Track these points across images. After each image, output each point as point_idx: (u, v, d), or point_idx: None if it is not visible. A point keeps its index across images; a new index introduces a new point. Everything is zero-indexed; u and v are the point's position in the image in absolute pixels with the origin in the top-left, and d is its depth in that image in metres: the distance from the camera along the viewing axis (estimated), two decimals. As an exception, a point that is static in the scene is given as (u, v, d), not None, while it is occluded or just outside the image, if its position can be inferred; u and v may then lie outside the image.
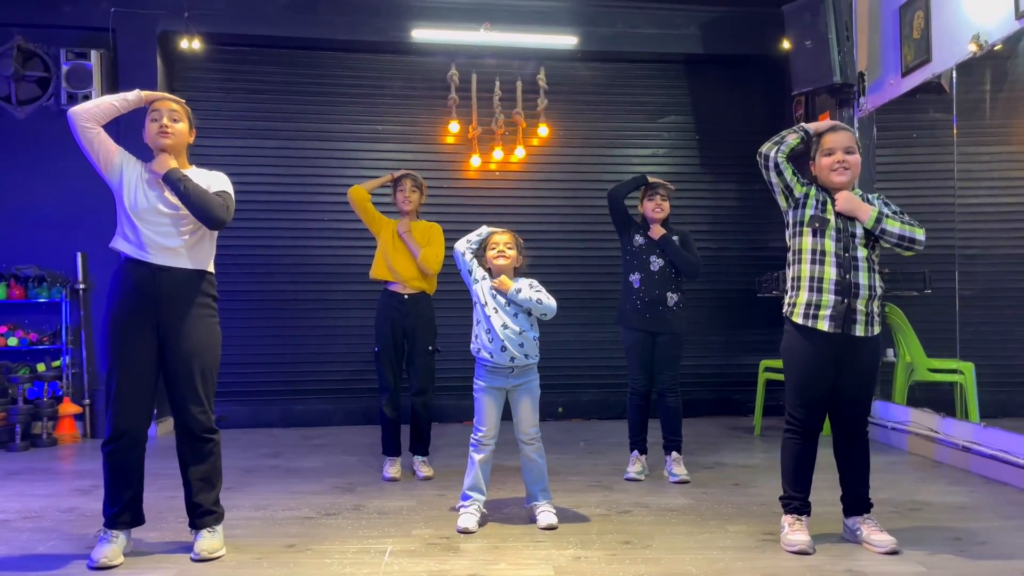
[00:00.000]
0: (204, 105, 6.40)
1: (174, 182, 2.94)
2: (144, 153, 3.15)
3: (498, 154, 6.59)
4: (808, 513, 3.14)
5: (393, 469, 4.39)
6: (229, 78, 6.43)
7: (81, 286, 5.93)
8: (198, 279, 3.01)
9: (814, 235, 3.05)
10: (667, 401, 4.36)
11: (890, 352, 5.84)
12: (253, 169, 6.30)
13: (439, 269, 4.49)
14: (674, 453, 4.36)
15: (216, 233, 3.12)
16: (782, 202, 3.19)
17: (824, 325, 3.02)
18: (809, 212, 3.08)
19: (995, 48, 4.40)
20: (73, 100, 5.88)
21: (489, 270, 3.54)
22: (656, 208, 4.37)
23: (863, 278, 3.02)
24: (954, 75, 4.76)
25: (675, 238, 4.39)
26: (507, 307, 3.44)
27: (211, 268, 3.11)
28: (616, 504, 3.76)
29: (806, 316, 3.05)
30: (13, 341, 5.75)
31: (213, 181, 3.10)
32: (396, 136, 6.61)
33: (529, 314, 3.45)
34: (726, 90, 6.93)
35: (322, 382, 6.42)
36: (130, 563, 2.92)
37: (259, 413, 6.27)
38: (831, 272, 3.01)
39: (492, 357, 3.41)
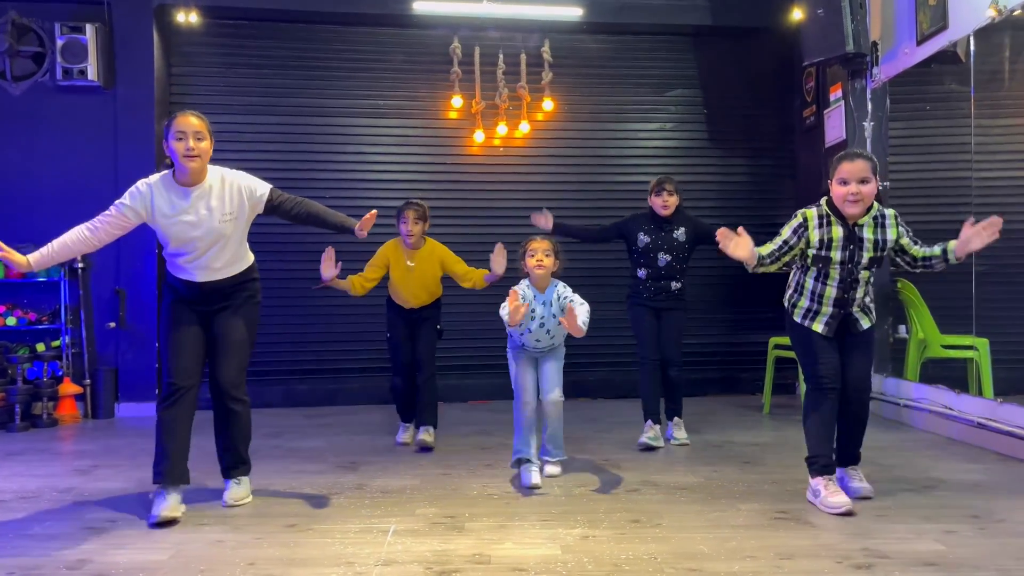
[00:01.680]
0: (201, 80, 6.30)
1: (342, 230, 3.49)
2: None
3: (502, 129, 6.47)
4: (834, 472, 3.30)
5: (406, 435, 4.71)
6: (227, 52, 6.30)
7: (80, 265, 5.84)
8: (239, 277, 3.37)
9: (818, 267, 3.29)
10: (671, 374, 4.56)
11: (902, 329, 5.74)
12: (251, 146, 6.19)
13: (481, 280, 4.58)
14: (676, 419, 4.64)
15: (244, 234, 3.39)
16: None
17: (820, 329, 3.33)
18: (811, 253, 3.27)
19: (1014, 13, 4.25)
20: (69, 75, 5.79)
21: (527, 275, 3.77)
22: (663, 205, 4.51)
23: (860, 292, 3.31)
24: (971, 43, 4.63)
25: (681, 231, 4.55)
26: (540, 327, 3.71)
27: (247, 260, 3.42)
28: (625, 482, 3.68)
29: (804, 318, 3.36)
30: (12, 321, 5.68)
31: (253, 190, 3.29)
32: (397, 111, 6.49)
33: (555, 317, 3.69)
34: (735, 63, 6.78)
35: (326, 361, 6.34)
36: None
37: (261, 393, 6.17)
38: (832, 291, 3.28)
39: (525, 348, 3.77)
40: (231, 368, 3.34)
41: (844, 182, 3.17)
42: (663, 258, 4.51)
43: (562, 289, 3.74)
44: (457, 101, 6.38)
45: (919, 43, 5.05)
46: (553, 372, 3.76)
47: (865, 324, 3.34)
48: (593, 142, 6.67)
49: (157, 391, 5.88)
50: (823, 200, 3.30)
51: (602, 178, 6.64)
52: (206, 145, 3.15)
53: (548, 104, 6.46)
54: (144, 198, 3.15)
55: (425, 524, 3.05)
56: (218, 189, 3.21)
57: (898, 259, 3.32)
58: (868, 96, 5.64)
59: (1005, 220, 3.19)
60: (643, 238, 4.53)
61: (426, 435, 4.51)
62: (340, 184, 6.38)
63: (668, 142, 6.75)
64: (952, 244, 3.22)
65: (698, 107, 6.81)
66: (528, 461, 3.69)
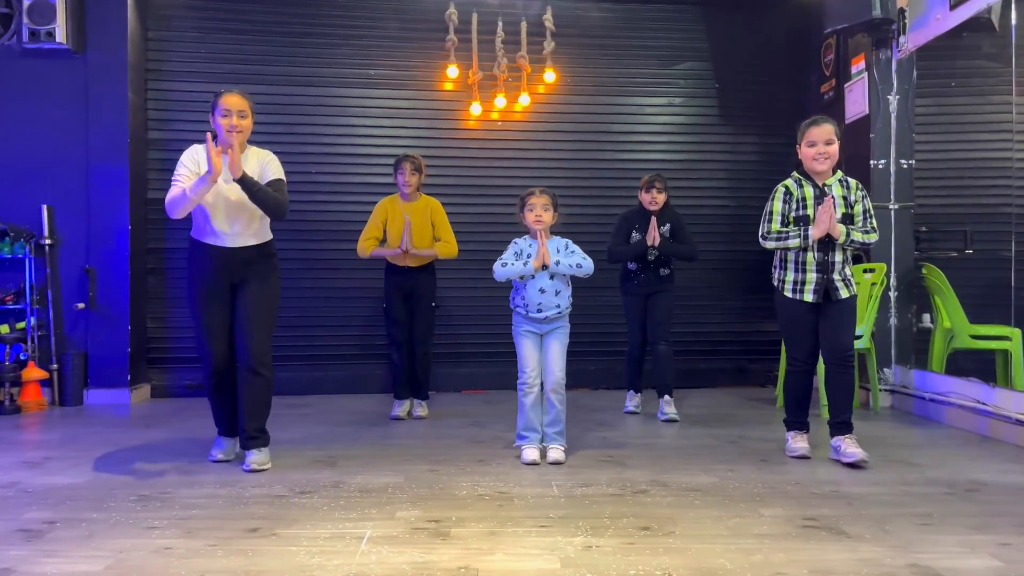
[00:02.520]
0: (179, 46, 5.91)
1: (248, 187, 3.37)
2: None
3: (500, 101, 6.08)
4: (806, 430, 3.82)
5: (401, 410, 4.86)
6: (208, 17, 5.90)
7: (47, 241, 5.46)
8: (264, 247, 3.59)
9: (796, 222, 3.62)
10: (659, 348, 4.82)
11: (926, 317, 5.36)
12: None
13: (457, 249, 4.84)
14: (666, 396, 4.82)
15: None
16: None
17: (809, 298, 3.62)
18: (791, 215, 3.65)
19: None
20: (36, 38, 5.38)
21: (527, 230, 3.80)
22: (651, 201, 4.79)
23: (838, 255, 3.59)
24: (1013, 7, 4.23)
25: (666, 227, 4.82)
26: (543, 270, 3.69)
27: (271, 234, 3.64)
28: (631, 482, 3.30)
29: (794, 291, 3.65)
30: (-27, 300, 5.30)
31: (267, 167, 3.54)
32: (390, 81, 6.09)
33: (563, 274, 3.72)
34: (748, 34, 6.40)
35: (310, 348, 5.97)
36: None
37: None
38: (812, 256, 3.59)
39: (528, 314, 3.72)
40: (260, 341, 3.52)
41: (812, 144, 3.57)
42: (651, 252, 4.80)
43: (563, 246, 3.79)
44: (453, 71, 5.99)
45: (953, 7, 4.65)
46: (557, 353, 3.72)
47: (844, 293, 3.59)
48: (597, 117, 6.28)
49: (129, 376, 5.51)
50: (793, 173, 3.72)
51: (606, 155, 6.25)
52: (248, 123, 3.48)
53: (550, 75, 6.07)
54: (194, 153, 3.48)
55: (405, 530, 2.68)
56: (251, 158, 3.53)
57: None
58: (893, 67, 5.25)
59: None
60: (635, 235, 4.84)
61: (422, 410, 4.90)
62: (328, 158, 6.00)
63: (676, 118, 6.36)
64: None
65: (708, 81, 6.42)
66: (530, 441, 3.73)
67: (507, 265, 3.72)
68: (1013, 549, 2.48)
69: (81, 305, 5.47)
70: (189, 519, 2.79)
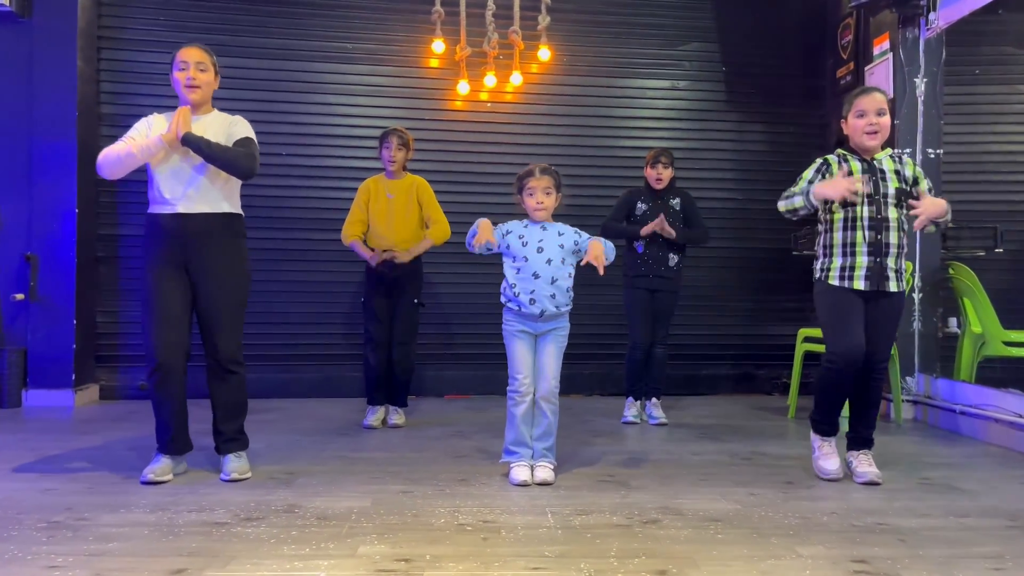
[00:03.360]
0: (138, 12, 5.38)
1: (195, 145, 3.03)
2: None
3: (490, 80, 5.57)
4: (834, 435, 3.35)
5: (374, 418, 4.36)
6: None
7: (-16, 225, 4.92)
8: (225, 220, 3.15)
9: (844, 206, 3.15)
10: (656, 351, 4.57)
11: (952, 322, 4.91)
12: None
13: (449, 230, 4.44)
14: (655, 399, 4.63)
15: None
16: None
17: (860, 284, 3.15)
18: (838, 175, 3.16)
19: None
20: (-26, -1, 4.84)
21: (524, 214, 3.32)
22: (658, 177, 4.50)
23: (893, 237, 3.14)
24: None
25: (676, 200, 4.56)
26: (539, 253, 3.19)
27: (237, 209, 3.23)
28: (639, 509, 2.81)
29: (842, 278, 3.18)
30: None
31: (235, 128, 3.20)
32: (369, 56, 5.58)
33: (563, 262, 3.21)
34: (759, 14, 5.94)
35: (278, 347, 5.44)
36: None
37: (198, 382, 5.28)
38: (862, 236, 3.14)
39: (520, 309, 3.20)
40: (231, 335, 3.17)
41: (862, 114, 3.16)
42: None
43: (571, 233, 3.27)
44: (439, 46, 5.47)
45: (994, -23, 4.20)
46: (552, 357, 3.23)
47: (894, 286, 3.17)
48: (594, 99, 5.79)
49: (73, 376, 4.96)
50: (836, 150, 3.31)
51: (603, 141, 5.77)
52: (208, 77, 3.17)
53: (544, 53, 5.56)
54: (151, 119, 3.17)
55: (368, 571, 2.17)
56: (216, 120, 3.20)
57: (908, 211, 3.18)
58: (921, 47, 4.80)
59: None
60: (640, 206, 4.54)
61: (398, 418, 4.40)
62: (300, 139, 5.48)
63: (680, 103, 5.89)
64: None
65: (715, 64, 5.95)
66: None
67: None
68: (1114, 604, 2.01)
69: (20, 296, 4.92)
70: (102, 555, 2.27)
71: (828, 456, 3.31)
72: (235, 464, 3.17)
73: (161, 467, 3.12)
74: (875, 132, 3.15)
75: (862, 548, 2.41)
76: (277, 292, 5.40)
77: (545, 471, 3.17)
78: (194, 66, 3.12)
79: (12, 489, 2.98)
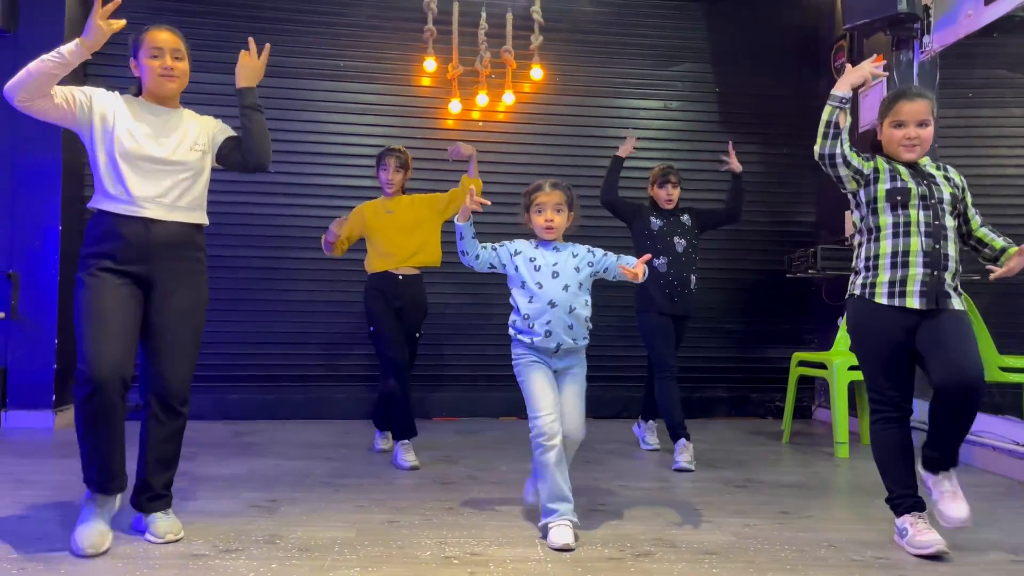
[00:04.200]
0: (127, 31, 5.14)
1: (254, 107, 2.83)
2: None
3: (482, 99, 5.53)
4: (924, 508, 2.69)
5: (385, 442, 4.24)
6: None
7: (-35, 241, 4.82)
8: (193, 233, 2.72)
9: (894, 209, 2.70)
10: (672, 384, 4.12)
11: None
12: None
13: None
14: (683, 440, 4.00)
15: (208, 181, 2.82)
16: (852, 186, 2.80)
17: (914, 302, 2.63)
18: (883, 187, 2.72)
19: None
20: (-43, 11, 4.77)
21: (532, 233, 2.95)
22: (667, 198, 4.23)
23: (951, 249, 2.68)
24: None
25: (686, 216, 4.29)
26: (554, 279, 2.80)
27: (206, 220, 2.78)
28: (631, 541, 2.72)
29: (891, 295, 2.67)
30: None
31: (221, 130, 2.86)
32: (361, 74, 5.53)
33: (580, 287, 2.83)
34: (752, 35, 5.92)
35: (263, 367, 5.34)
36: None
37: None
38: (918, 243, 2.65)
39: (532, 342, 2.79)
40: (181, 371, 2.66)
41: (900, 124, 2.73)
42: (679, 243, 4.21)
43: (584, 252, 2.88)
44: (431, 64, 5.44)
45: (988, 1, 4.18)
46: (574, 403, 2.81)
47: (956, 304, 2.64)
48: (586, 119, 5.75)
49: (54, 396, 4.86)
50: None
51: (596, 161, 5.70)
52: (184, 66, 2.72)
53: (536, 73, 5.53)
54: (95, 97, 2.63)
55: (350, 610, 2.08)
56: (193, 118, 2.80)
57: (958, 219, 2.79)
58: (915, 70, 4.78)
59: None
60: (655, 221, 4.23)
61: (410, 455, 3.88)
62: (290, 157, 5.41)
63: (672, 123, 5.86)
64: (1013, 251, 2.71)
65: (708, 84, 5.93)
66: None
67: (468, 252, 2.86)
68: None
69: (1, 315, 4.81)
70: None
71: (923, 531, 2.62)
72: (165, 524, 2.64)
73: (96, 529, 2.50)
74: (914, 146, 2.72)
75: (862, 584, 2.34)
76: (266, 311, 5.32)
77: (563, 532, 2.64)
78: (170, 53, 2.66)
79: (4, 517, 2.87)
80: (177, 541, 2.61)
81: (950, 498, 2.63)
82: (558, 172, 5.63)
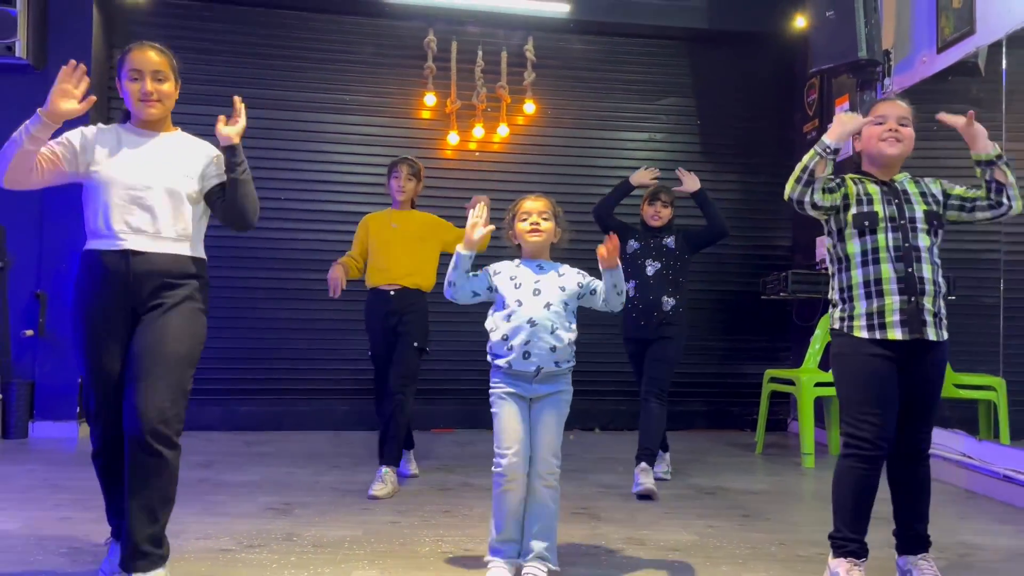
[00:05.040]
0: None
1: (238, 165, 2.51)
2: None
3: (478, 132, 5.92)
4: (865, 557, 2.55)
5: (413, 466, 4.25)
6: (176, 35, 5.66)
7: (-3, 264, 5.18)
8: (185, 264, 2.48)
9: (862, 235, 2.58)
10: (651, 405, 4.06)
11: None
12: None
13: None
14: (643, 464, 3.95)
15: (204, 210, 2.60)
16: (823, 218, 2.68)
17: (896, 334, 2.49)
18: (852, 212, 2.59)
19: (1057, 14, 3.78)
20: (-7, 50, 5.14)
21: (518, 246, 2.80)
22: (655, 216, 4.21)
23: (927, 271, 2.52)
24: (1004, 49, 4.15)
25: (671, 239, 4.23)
26: (535, 296, 2.64)
27: (199, 252, 2.55)
28: (605, 538, 3.09)
29: (871, 328, 2.52)
30: (-88, 324, 4.99)
31: (209, 163, 2.57)
32: (364, 108, 5.91)
33: (565, 307, 2.67)
34: (731, 71, 6.31)
35: (272, 380, 5.70)
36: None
37: (197, 415, 5.48)
38: (889, 270, 2.52)
39: (511, 366, 2.62)
40: (161, 392, 2.30)
41: (881, 120, 2.62)
42: (651, 266, 4.14)
43: (573, 273, 2.75)
44: (430, 99, 5.83)
45: (940, 50, 4.59)
46: (551, 430, 2.63)
47: (933, 334, 2.50)
48: (576, 150, 6.14)
49: (78, 408, 5.21)
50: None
51: (586, 190, 6.08)
52: (169, 88, 2.51)
53: (529, 107, 5.93)
54: (85, 132, 2.48)
55: (360, 594, 2.45)
56: (185, 143, 2.58)
57: (964, 214, 2.63)
58: (878, 109, 5.16)
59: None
60: (632, 244, 4.22)
61: (379, 485, 3.70)
62: (298, 185, 5.79)
63: (657, 153, 6.23)
64: (978, 172, 2.63)
65: (690, 117, 6.32)
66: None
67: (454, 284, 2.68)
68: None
69: (29, 332, 5.18)
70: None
71: None
72: None
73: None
74: (897, 140, 2.59)
75: (799, 574, 2.70)
76: (275, 329, 5.68)
77: (535, 572, 2.52)
78: (150, 76, 2.44)
79: (30, 517, 3.22)
80: None
81: (929, 570, 2.58)
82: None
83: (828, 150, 2.53)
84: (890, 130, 2.60)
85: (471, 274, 2.68)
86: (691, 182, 4.35)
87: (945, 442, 4.39)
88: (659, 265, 4.14)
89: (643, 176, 4.38)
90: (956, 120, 2.62)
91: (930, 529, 2.68)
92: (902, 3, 4.96)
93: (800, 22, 5.73)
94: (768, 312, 6.08)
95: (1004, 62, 4.17)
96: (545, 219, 2.74)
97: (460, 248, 2.65)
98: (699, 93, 6.31)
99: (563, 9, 5.74)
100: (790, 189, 2.59)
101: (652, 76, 6.26)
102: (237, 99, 2.63)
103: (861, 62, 4.83)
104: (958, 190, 2.66)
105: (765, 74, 6.31)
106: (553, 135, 6.11)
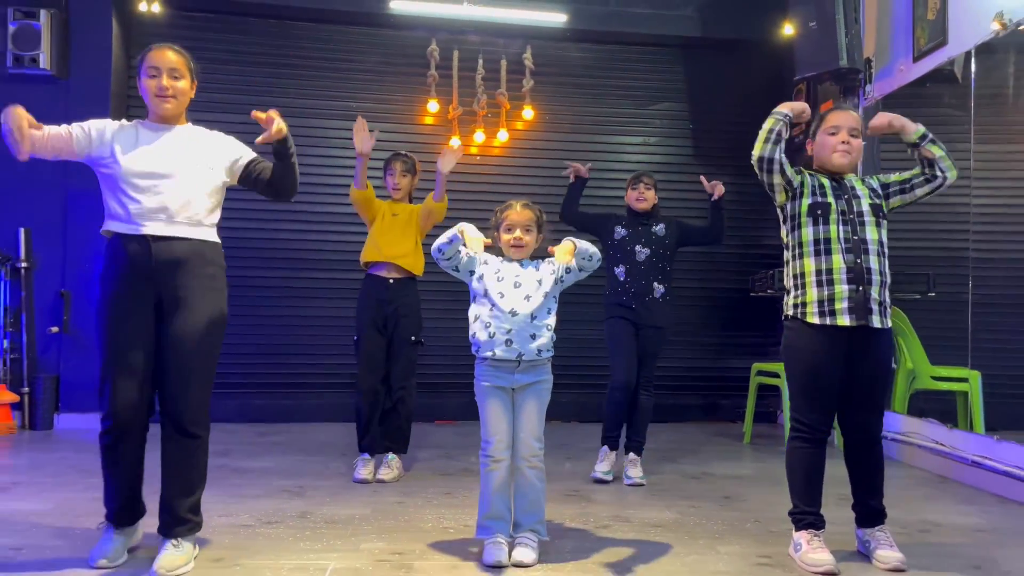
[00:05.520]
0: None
1: (290, 152, 2.81)
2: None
3: (479, 137, 6.19)
4: (823, 527, 2.84)
5: (365, 471, 3.94)
6: (191, 46, 5.70)
7: (23, 264, 5.47)
8: (202, 248, 2.66)
9: (815, 223, 2.81)
10: (640, 398, 4.15)
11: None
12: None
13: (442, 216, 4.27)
14: (632, 455, 4.14)
15: (223, 197, 2.81)
16: (781, 198, 2.91)
17: (844, 320, 2.74)
18: (807, 201, 2.83)
19: (1020, 28, 4.03)
20: (20, 63, 5.44)
21: (500, 252, 3.00)
22: (639, 198, 4.27)
23: (874, 263, 2.78)
24: (973, 59, 4.40)
25: (660, 226, 4.30)
26: (516, 288, 2.83)
27: (214, 237, 2.74)
28: (593, 517, 3.36)
29: (822, 314, 2.77)
30: (-55, 322, 5.28)
31: (229, 148, 2.82)
32: (370, 114, 6.09)
33: (544, 297, 2.84)
34: (723, 77, 6.55)
35: (284, 375, 5.99)
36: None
37: (215, 407, 5.69)
38: (839, 260, 2.76)
39: (494, 356, 2.80)
40: (193, 392, 2.60)
41: (834, 131, 2.86)
42: (641, 251, 4.19)
43: (545, 265, 2.94)
44: (433, 106, 6.11)
45: (916, 59, 4.84)
46: (533, 417, 2.82)
47: (878, 321, 2.73)
48: (574, 154, 6.34)
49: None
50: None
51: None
52: (184, 85, 2.71)
53: (528, 113, 6.19)
54: (107, 125, 2.70)
55: (369, 562, 2.72)
56: (201, 136, 2.79)
57: (906, 195, 2.89)
58: (861, 114, 5.40)
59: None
60: (619, 231, 4.25)
61: (387, 472, 3.94)
62: (306, 188, 6.01)
63: (651, 157, 6.50)
64: (910, 152, 2.94)
65: (684, 122, 6.57)
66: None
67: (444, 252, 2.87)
68: (959, 590, 2.56)
69: (55, 329, 5.47)
70: (153, 546, 2.80)
71: (815, 550, 2.72)
72: (167, 557, 2.54)
73: (114, 550, 2.62)
74: (847, 151, 2.83)
75: (770, 547, 2.97)
76: (285, 325, 5.96)
77: (526, 551, 2.71)
78: (167, 73, 2.65)
79: (64, 498, 3.51)
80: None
81: (887, 546, 2.78)
82: (547, 201, 6.19)
83: (787, 116, 2.83)
84: (843, 142, 2.85)
85: (461, 255, 2.90)
86: (717, 188, 4.46)
87: (919, 431, 4.64)
88: (649, 252, 4.19)
89: (574, 169, 4.50)
90: (880, 123, 2.94)
91: (896, 509, 2.98)
92: (882, 14, 5.21)
93: (788, 30, 5.96)
94: (757, 308, 6.32)
95: (973, 68, 4.41)
96: (528, 232, 2.94)
97: (446, 250, 2.87)
98: (692, 98, 6.56)
99: (560, 18, 6.01)
100: (760, 149, 2.83)
101: (646, 82, 6.51)
102: (273, 111, 2.83)
103: (843, 70, 5.07)
104: (894, 176, 2.93)
105: (755, 80, 6.54)
106: (551, 139, 6.37)
